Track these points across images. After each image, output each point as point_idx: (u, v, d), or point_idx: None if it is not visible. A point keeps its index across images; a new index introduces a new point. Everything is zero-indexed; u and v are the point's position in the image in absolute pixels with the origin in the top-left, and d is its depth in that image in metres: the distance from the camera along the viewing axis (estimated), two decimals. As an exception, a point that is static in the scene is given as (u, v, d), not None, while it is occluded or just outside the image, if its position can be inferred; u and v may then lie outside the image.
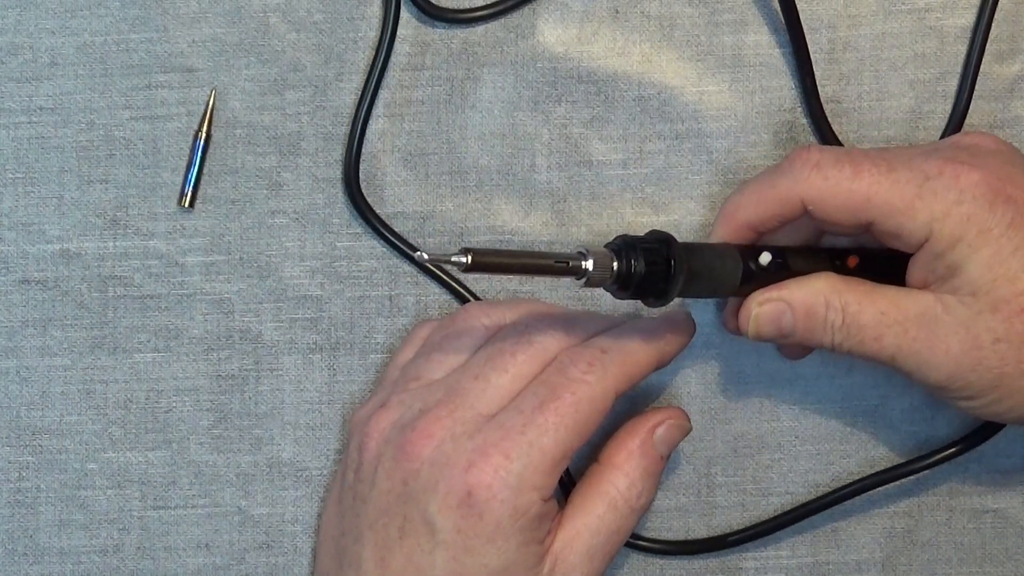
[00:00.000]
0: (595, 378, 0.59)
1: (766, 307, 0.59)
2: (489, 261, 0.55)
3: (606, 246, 0.57)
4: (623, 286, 0.57)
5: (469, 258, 0.53)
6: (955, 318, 0.57)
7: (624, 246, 0.57)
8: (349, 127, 0.66)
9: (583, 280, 0.56)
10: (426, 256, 0.54)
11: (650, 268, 0.57)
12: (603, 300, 0.67)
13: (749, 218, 0.60)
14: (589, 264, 0.56)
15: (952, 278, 0.57)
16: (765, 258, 0.60)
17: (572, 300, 0.67)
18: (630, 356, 0.60)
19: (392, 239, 0.66)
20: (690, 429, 0.64)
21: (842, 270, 0.61)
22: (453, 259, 0.53)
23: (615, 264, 0.57)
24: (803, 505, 0.66)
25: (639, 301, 0.58)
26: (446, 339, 0.62)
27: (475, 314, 0.63)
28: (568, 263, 0.56)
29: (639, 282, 0.57)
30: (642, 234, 0.58)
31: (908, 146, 0.63)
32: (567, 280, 0.66)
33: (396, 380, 0.63)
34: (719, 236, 0.61)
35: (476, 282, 0.67)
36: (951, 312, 0.57)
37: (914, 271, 0.58)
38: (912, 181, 0.57)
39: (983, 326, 0.56)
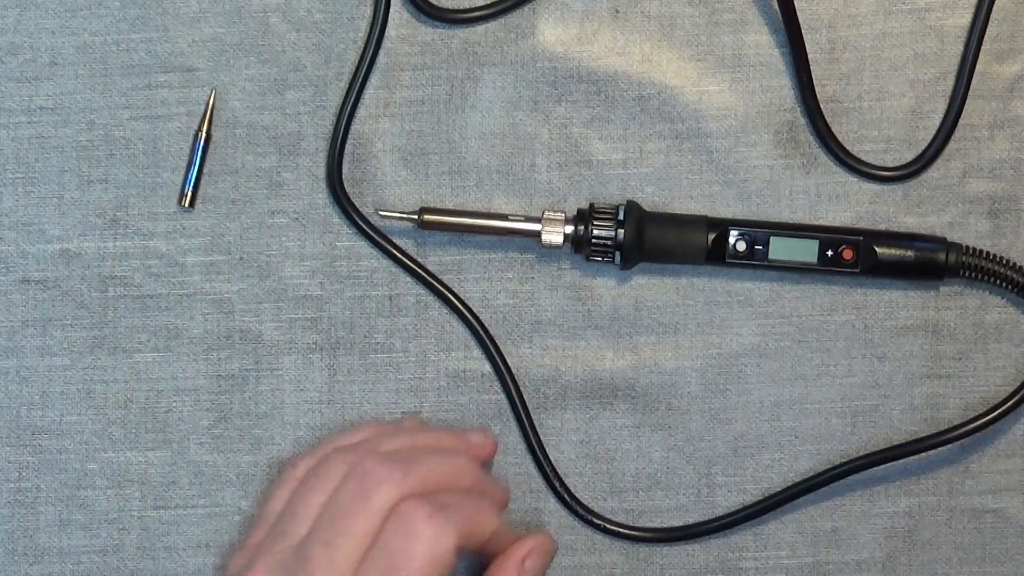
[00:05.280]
0: (434, 533, 0.58)
1: None
2: (441, 220, 0.64)
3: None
4: (578, 248, 0.63)
5: (422, 216, 0.63)
6: None
7: (584, 211, 0.63)
8: (333, 127, 0.66)
9: (541, 240, 0.63)
10: (383, 213, 0.64)
11: (602, 231, 0.62)
12: (601, 297, 0.67)
13: None
14: (540, 225, 0.63)
15: None
16: (733, 237, 0.64)
17: (570, 294, 0.67)
18: (473, 511, 0.59)
19: (376, 237, 0.66)
20: (555, 548, 0.63)
21: (835, 261, 0.61)
22: (406, 216, 0.64)
23: (566, 226, 0.63)
24: (801, 482, 0.66)
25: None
26: (308, 491, 0.61)
27: (335, 458, 0.61)
28: (521, 223, 0.62)
29: (594, 244, 0.62)
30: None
31: None
32: (556, 271, 0.66)
33: (270, 530, 0.61)
34: None
35: (476, 282, 0.67)
36: None
37: None
38: None
39: None
